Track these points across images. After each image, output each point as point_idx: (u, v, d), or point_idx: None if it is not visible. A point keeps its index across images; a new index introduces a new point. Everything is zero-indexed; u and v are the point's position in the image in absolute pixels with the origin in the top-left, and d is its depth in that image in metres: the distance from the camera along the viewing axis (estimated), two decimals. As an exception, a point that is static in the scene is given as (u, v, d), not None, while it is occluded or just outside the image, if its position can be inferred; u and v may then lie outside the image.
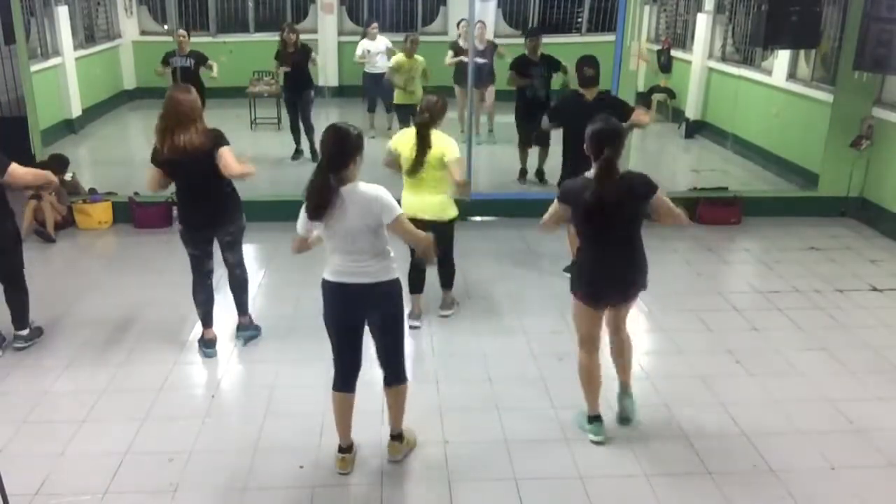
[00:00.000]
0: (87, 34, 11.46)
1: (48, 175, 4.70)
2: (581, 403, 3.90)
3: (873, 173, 7.32)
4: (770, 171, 8.76)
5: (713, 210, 7.26)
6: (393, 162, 4.85)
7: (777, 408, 4.21)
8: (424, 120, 4.64)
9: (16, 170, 4.41)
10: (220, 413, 4.16)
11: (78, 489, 3.48)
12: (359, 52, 10.03)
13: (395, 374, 3.60)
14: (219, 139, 4.33)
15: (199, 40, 10.30)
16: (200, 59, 8.91)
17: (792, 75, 8.70)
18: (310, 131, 8.93)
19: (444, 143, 4.69)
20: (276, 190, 7.28)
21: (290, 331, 5.01)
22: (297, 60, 8.79)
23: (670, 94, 11.07)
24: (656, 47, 11.32)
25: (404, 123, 8.57)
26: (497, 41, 9.89)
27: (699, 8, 10.83)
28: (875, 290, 5.83)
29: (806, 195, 7.73)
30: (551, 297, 5.51)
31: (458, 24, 10.26)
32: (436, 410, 4.14)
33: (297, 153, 9.11)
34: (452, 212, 4.90)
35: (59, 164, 6.99)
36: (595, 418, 3.87)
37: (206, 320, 4.78)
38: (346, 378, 3.55)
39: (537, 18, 13.24)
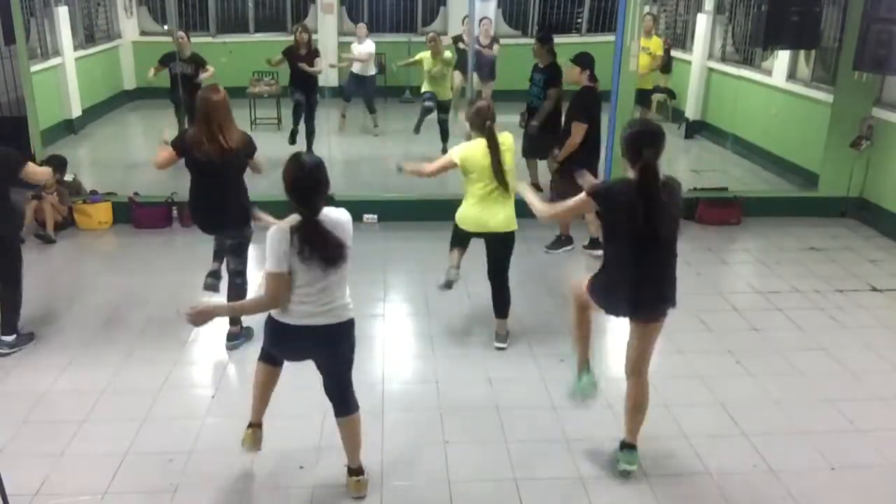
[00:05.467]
0: (87, 34, 11.44)
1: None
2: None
3: (873, 173, 7.32)
4: (770, 171, 8.76)
5: (713, 210, 7.26)
6: (446, 170, 4.70)
7: (777, 408, 4.21)
8: (490, 127, 4.49)
9: (31, 168, 4.70)
10: (220, 413, 4.16)
11: (78, 489, 3.48)
12: (354, 52, 10.13)
13: (344, 405, 3.40)
14: (251, 142, 4.56)
15: (198, 40, 10.25)
16: (200, 64, 8.85)
17: (792, 75, 8.71)
18: (311, 134, 8.91)
19: (509, 139, 4.59)
20: (276, 190, 7.25)
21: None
22: (307, 62, 8.77)
23: (670, 94, 11.06)
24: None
25: (428, 105, 9.12)
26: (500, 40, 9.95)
27: (699, 8, 10.83)
28: (875, 290, 5.83)
29: (806, 195, 7.74)
30: (552, 298, 5.51)
31: (463, 20, 10.31)
32: (436, 410, 4.15)
33: (294, 134, 9.09)
34: (516, 223, 4.76)
35: (57, 164, 6.98)
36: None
37: (217, 255, 4.93)
38: (274, 355, 3.51)
39: (537, 18, 13.26)
